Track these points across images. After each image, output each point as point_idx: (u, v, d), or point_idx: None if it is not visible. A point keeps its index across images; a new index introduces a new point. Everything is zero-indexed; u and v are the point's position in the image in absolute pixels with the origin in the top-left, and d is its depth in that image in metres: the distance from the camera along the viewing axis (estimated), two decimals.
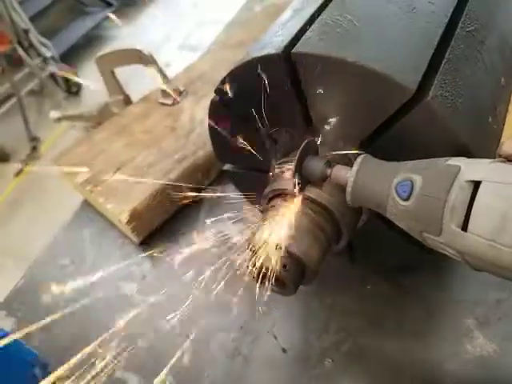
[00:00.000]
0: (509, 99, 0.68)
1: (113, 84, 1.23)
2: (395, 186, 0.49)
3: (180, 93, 1.15)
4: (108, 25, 4.49)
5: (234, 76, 0.64)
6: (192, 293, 0.81)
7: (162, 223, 0.95)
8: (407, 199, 0.47)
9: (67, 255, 0.94)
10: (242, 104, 0.65)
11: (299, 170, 0.56)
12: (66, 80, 3.47)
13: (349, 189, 0.53)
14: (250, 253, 0.58)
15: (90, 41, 4.19)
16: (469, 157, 0.48)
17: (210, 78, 1.15)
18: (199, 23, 4.11)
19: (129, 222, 0.87)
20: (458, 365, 0.69)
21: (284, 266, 0.56)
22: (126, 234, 0.92)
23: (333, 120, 0.60)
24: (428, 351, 0.71)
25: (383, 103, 0.54)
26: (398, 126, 0.55)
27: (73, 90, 3.58)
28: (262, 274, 0.58)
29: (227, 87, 0.65)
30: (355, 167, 0.52)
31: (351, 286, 0.80)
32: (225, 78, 0.65)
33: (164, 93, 1.14)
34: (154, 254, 0.90)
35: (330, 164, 0.56)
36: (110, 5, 4.42)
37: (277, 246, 0.56)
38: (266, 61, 0.59)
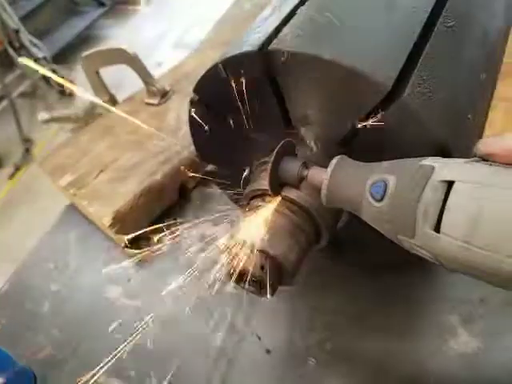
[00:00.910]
0: (491, 96, 0.67)
1: (98, 84, 1.21)
2: (369, 187, 0.47)
3: (166, 92, 1.14)
4: (101, 24, 4.48)
5: (211, 75, 0.63)
6: (177, 295, 0.81)
7: (147, 225, 0.92)
8: (380, 200, 0.46)
9: (52, 259, 0.93)
10: (220, 103, 0.64)
11: (275, 172, 0.55)
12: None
13: (324, 191, 0.52)
14: (228, 254, 0.58)
15: (83, 41, 4.17)
16: (447, 156, 0.47)
17: (197, 77, 1.12)
18: (195, 21, 4.06)
19: (112, 226, 0.86)
20: (441, 362, 0.68)
21: (261, 268, 0.55)
22: (111, 236, 0.91)
23: (310, 119, 0.59)
24: (412, 349, 0.71)
25: (359, 101, 0.53)
26: (371, 126, 0.54)
27: (66, 91, 3.56)
28: (240, 275, 0.57)
29: (206, 86, 0.64)
30: (330, 168, 0.52)
31: (335, 285, 0.79)
32: (203, 76, 0.64)
33: (150, 93, 1.13)
34: (139, 257, 0.89)
35: (306, 165, 0.55)
36: (102, 4, 4.39)
37: (254, 246, 0.55)
38: (242, 59, 0.58)
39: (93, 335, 0.79)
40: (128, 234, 0.89)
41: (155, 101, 1.12)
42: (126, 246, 0.90)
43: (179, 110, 1.07)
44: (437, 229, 0.41)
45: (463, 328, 0.72)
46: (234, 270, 0.56)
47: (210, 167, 0.80)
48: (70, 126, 1.57)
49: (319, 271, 0.78)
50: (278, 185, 0.57)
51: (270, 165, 0.54)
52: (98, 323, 0.80)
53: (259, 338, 0.75)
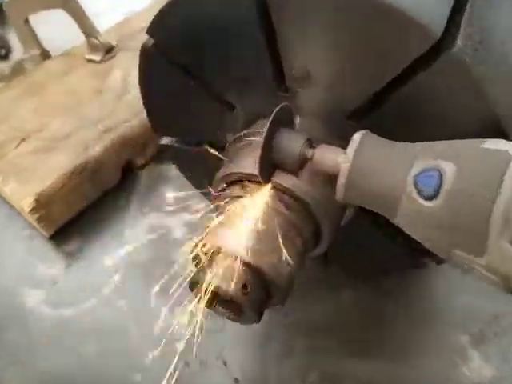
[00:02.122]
0: None
1: (27, 35, 0.99)
2: (414, 177, 0.33)
3: (111, 48, 0.94)
4: None
5: (175, 7, 0.44)
6: (117, 305, 0.64)
7: (81, 212, 0.74)
8: (433, 197, 0.32)
9: None
10: (184, 50, 0.47)
11: (269, 149, 0.38)
12: None
13: (342, 179, 0.36)
14: (195, 264, 0.41)
15: None
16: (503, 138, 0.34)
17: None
18: None
19: (34, 211, 0.66)
20: None
21: (244, 287, 0.39)
22: (34, 224, 0.71)
23: (314, 79, 0.42)
24: (414, 376, 0.59)
25: (395, 51, 0.37)
26: (409, 87, 0.39)
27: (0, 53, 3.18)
28: (210, 294, 0.40)
29: (166, 23, 0.46)
30: (352, 148, 0.36)
31: (322, 295, 0.65)
32: (162, 10, 0.45)
33: (91, 46, 0.93)
34: (69, 253, 0.71)
35: (311, 143, 0.39)
36: None
37: (233, 256, 0.39)
38: None
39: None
40: (56, 222, 0.72)
41: (97, 57, 0.93)
42: (53, 237, 0.72)
43: (127, 70, 0.88)
44: None
45: (474, 349, 0.61)
46: (203, 289, 0.39)
47: (165, 140, 0.62)
48: None
49: (303, 278, 0.62)
50: (269, 168, 0.40)
51: (262, 137, 0.36)
52: (6, 342, 0.61)
53: (225, 364, 0.59)
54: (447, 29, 0.35)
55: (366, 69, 0.39)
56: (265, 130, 0.37)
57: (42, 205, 0.67)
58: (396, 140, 0.37)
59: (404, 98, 0.39)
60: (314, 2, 0.38)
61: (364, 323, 0.63)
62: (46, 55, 1.01)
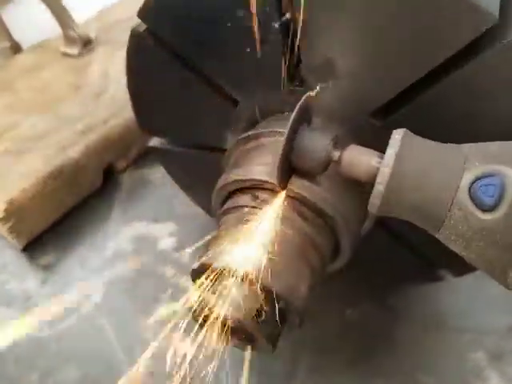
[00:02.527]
0: None
1: None
2: (468, 185, 0.28)
3: (90, 41, 0.87)
4: None
5: None
6: (98, 325, 0.58)
7: (57, 221, 0.68)
8: (492, 209, 0.28)
9: None
10: (185, 35, 0.41)
11: (289, 151, 0.32)
12: None
13: (380, 187, 0.30)
14: (196, 289, 0.35)
15: None
16: None
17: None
18: None
19: (4, 220, 0.61)
20: None
21: (258, 315, 0.33)
22: (4, 235, 0.64)
23: (338, 68, 0.37)
24: None
25: (442, 36, 0.32)
26: (450, 80, 0.34)
27: None
28: (217, 324, 0.34)
29: (163, 3, 0.40)
30: (393, 150, 0.30)
31: (327, 311, 0.61)
32: None
33: (68, 39, 0.86)
34: (44, 266, 0.65)
35: (337, 143, 0.33)
36: None
37: (243, 278, 0.33)
38: None
39: None
40: (29, 232, 0.66)
41: (74, 51, 0.87)
42: (26, 249, 0.65)
43: (107, 65, 0.81)
44: None
45: (491, 368, 0.56)
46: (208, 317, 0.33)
47: (155, 141, 0.57)
48: None
49: None
50: (288, 172, 0.34)
51: (284, 138, 0.30)
52: None
53: None
54: (500, 15, 0.31)
55: (403, 56, 0.34)
56: (287, 128, 0.31)
57: (14, 213, 0.62)
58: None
59: (443, 92, 0.34)
60: None
61: (370, 342, 0.59)
62: (16, 48, 0.94)
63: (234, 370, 0.52)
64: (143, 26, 0.43)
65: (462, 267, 0.50)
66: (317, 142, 0.33)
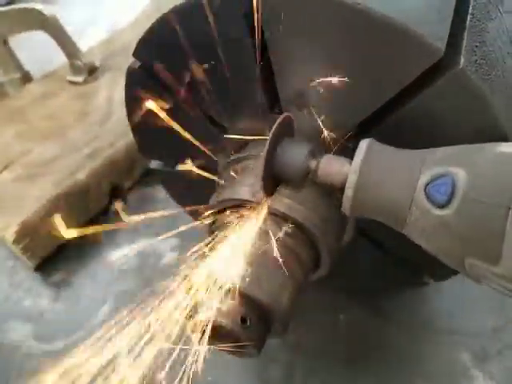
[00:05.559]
0: None
1: (7, 58, 0.96)
2: (424, 185, 0.32)
3: (95, 69, 0.92)
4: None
5: (162, 28, 0.43)
6: (110, 338, 0.61)
7: (68, 240, 0.70)
8: (445, 205, 0.31)
9: None
10: (172, 72, 0.46)
11: (271, 160, 0.36)
12: None
13: (349, 191, 0.34)
14: (187, 297, 0.39)
15: None
16: None
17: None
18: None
19: (17, 241, 0.64)
20: None
21: (243, 321, 0.36)
22: (18, 255, 0.68)
23: (310, 100, 0.41)
24: None
25: (396, 69, 0.35)
26: (410, 106, 0.37)
27: None
28: (204, 329, 0.38)
29: (152, 46, 0.44)
30: (359, 156, 0.34)
31: (320, 317, 0.63)
32: (149, 31, 0.44)
33: (74, 68, 0.91)
34: (56, 283, 0.68)
35: (315, 153, 0.37)
36: None
37: (230, 288, 0.37)
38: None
39: None
40: (42, 251, 0.69)
41: (80, 78, 0.91)
42: (39, 268, 0.69)
43: (111, 91, 0.86)
44: None
45: (477, 368, 0.58)
46: (198, 324, 0.37)
47: (154, 164, 0.60)
48: None
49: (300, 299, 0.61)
50: (273, 185, 0.38)
51: (265, 149, 0.34)
52: None
53: None
54: (449, 44, 0.34)
55: (366, 88, 0.37)
56: (268, 141, 0.34)
57: (26, 235, 0.65)
58: None
59: (404, 117, 0.38)
60: (309, 20, 0.36)
61: (362, 345, 0.61)
62: (27, 78, 0.99)
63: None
64: (137, 63, 0.47)
65: (441, 272, 0.53)
66: (296, 152, 0.36)
